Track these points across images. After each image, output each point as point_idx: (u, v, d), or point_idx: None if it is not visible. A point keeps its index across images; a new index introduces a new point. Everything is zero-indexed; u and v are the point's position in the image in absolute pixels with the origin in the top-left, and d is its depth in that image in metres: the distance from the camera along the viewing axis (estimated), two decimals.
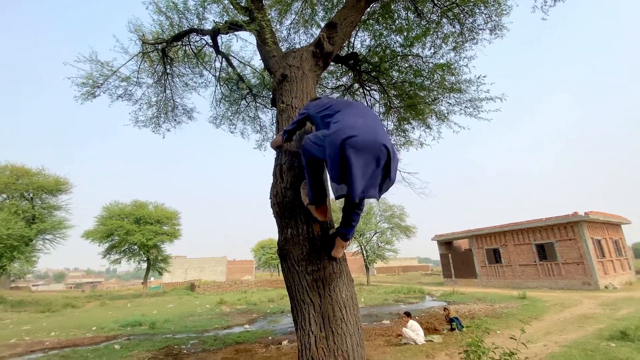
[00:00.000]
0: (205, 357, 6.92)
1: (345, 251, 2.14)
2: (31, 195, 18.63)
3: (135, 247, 26.49)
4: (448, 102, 6.44)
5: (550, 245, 19.28)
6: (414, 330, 7.27)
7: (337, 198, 1.56)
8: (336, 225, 2.05)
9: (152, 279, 38.48)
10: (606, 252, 18.90)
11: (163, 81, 7.65)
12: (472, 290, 20.13)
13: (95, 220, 26.25)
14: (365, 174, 1.50)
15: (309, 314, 1.75)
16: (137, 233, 25.62)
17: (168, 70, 7.47)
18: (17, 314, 16.25)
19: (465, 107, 6.44)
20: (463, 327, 8.19)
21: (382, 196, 1.58)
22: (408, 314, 7.95)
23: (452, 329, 8.17)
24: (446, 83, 6.19)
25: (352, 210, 1.79)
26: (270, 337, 8.83)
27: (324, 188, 1.93)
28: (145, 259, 27.72)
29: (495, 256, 22.59)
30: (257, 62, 7.80)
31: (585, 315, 9.55)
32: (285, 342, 7.99)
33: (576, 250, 17.92)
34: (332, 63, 6.88)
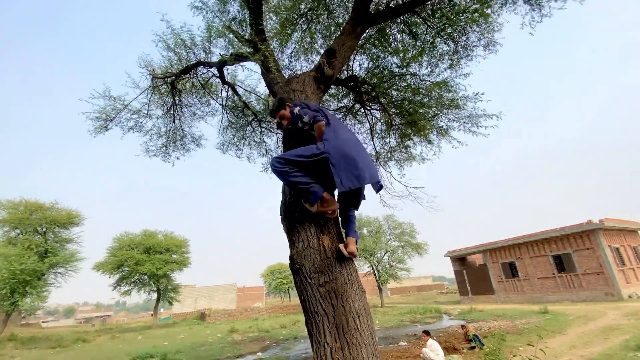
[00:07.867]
0: None
1: (358, 269, 2.27)
2: (44, 229, 18.96)
3: (145, 277, 26.46)
4: (447, 118, 6.56)
5: (568, 256, 18.70)
6: (433, 350, 7.02)
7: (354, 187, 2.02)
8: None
9: (161, 310, 37.95)
10: (626, 260, 18.23)
11: (172, 112, 7.95)
12: (490, 307, 19.42)
13: (105, 252, 26.48)
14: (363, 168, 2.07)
15: (323, 325, 1.78)
16: (147, 263, 25.68)
17: (177, 101, 7.79)
18: (28, 351, 16.07)
19: (464, 122, 6.55)
20: (483, 344, 7.90)
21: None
22: (427, 333, 7.70)
23: (472, 348, 7.87)
24: (444, 100, 6.33)
25: (346, 211, 2.26)
26: None
27: (317, 183, 2.10)
28: (155, 289, 27.57)
29: (511, 270, 21.92)
30: (261, 89, 8.09)
31: (610, 326, 9.14)
32: None
33: (595, 260, 17.34)
34: (333, 86, 7.14)
